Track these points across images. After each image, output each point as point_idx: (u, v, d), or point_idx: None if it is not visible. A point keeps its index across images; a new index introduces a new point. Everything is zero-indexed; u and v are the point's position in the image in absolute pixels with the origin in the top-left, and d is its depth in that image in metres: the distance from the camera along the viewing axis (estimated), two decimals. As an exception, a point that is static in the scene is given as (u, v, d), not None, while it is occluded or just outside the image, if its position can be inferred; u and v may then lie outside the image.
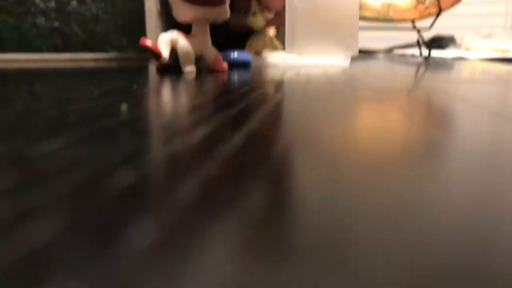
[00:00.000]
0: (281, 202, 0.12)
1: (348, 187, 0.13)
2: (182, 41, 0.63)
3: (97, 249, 0.09)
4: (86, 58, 1.04)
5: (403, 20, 1.04)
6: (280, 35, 0.86)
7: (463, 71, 0.69)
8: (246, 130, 0.21)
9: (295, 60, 0.75)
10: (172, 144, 0.18)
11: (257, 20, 0.84)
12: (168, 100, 0.33)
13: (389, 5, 1.05)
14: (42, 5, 0.99)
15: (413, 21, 1.03)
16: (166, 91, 0.39)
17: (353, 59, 1.08)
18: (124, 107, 0.29)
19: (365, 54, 1.36)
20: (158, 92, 0.38)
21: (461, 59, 1.05)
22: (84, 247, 0.09)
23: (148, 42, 0.60)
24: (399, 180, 0.14)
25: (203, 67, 0.69)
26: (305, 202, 0.12)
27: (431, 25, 1.03)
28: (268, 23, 0.85)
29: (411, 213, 0.11)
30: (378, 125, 0.23)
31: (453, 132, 0.21)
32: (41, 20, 0.98)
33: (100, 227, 0.10)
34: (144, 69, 0.74)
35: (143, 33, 1.09)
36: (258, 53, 0.85)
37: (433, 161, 0.16)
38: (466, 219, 0.11)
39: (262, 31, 0.87)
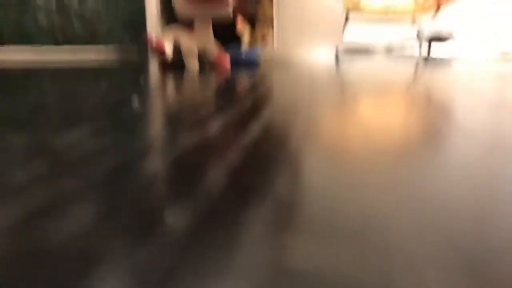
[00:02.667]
0: (303, 187, 0.12)
1: (362, 172, 0.13)
2: (185, 37, 0.63)
3: (138, 231, 0.10)
4: (87, 51, 1.04)
5: (404, 14, 1.04)
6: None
7: (462, 66, 0.69)
8: (260, 122, 0.21)
9: (286, 56, 0.76)
10: (192, 134, 0.18)
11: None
12: (176, 94, 0.33)
13: (388, 7, 1.06)
14: (42, 2, 0.98)
15: (413, 16, 1.04)
16: (173, 86, 0.40)
17: (355, 53, 1.09)
18: (135, 100, 0.29)
19: (366, 48, 1.36)
20: (165, 86, 0.39)
21: (459, 55, 1.05)
22: (125, 230, 0.10)
23: (152, 38, 0.60)
24: (410, 164, 0.14)
25: (206, 63, 0.69)
26: (324, 186, 0.12)
27: (431, 20, 1.03)
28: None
29: (423, 193, 0.11)
30: (387, 114, 0.24)
31: (457, 120, 0.21)
32: (42, 16, 0.98)
33: (137, 212, 0.11)
34: (145, 64, 0.74)
35: (143, 28, 1.09)
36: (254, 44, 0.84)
37: (441, 146, 0.16)
38: (471, 197, 0.11)
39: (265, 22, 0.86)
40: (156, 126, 0.21)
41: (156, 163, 0.14)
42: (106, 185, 0.12)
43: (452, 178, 0.13)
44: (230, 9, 0.65)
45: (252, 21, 0.89)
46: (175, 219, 0.10)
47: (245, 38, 0.90)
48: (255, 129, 0.20)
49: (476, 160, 0.15)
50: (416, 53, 1.17)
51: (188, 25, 0.67)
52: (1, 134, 0.18)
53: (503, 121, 0.22)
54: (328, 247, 0.09)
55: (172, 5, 0.66)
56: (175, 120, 0.22)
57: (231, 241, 0.09)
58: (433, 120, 0.22)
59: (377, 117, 0.23)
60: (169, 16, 1.04)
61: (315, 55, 0.80)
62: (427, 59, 0.91)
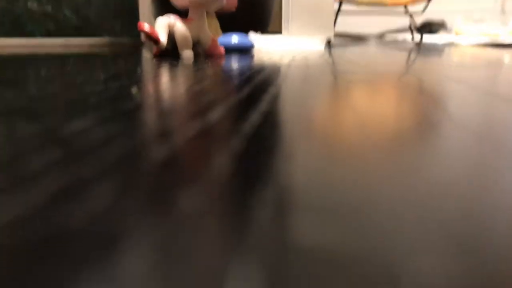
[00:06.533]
0: (304, 172, 0.13)
1: (358, 159, 0.14)
2: (179, 26, 0.63)
3: (155, 212, 0.10)
4: (79, 43, 1.03)
5: (396, 5, 1.05)
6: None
7: (455, 55, 0.70)
8: (259, 110, 0.22)
9: (280, 44, 0.78)
10: (194, 123, 0.19)
11: None
12: (173, 83, 0.34)
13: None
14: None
15: (405, 6, 1.04)
16: (170, 75, 0.40)
17: (347, 43, 1.09)
18: (135, 90, 0.29)
19: (358, 38, 1.37)
20: (162, 76, 0.39)
21: (452, 44, 1.06)
22: (142, 210, 0.10)
23: (146, 27, 0.60)
24: (404, 151, 0.15)
25: (200, 52, 0.69)
26: (324, 171, 0.13)
27: (423, 10, 1.04)
28: None
29: (417, 177, 0.12)
30: (380, 103, 0.24)
31: (448, 110, 0.22)
32: (33, 5, 0.97)
33: (151, 194, 0.11)
34: (138, 54, 0.74)
35: (136, 17, 1.09)
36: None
37: (432, 136, 0.17)
38: (461, 186, 0.12)
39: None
40: (157, 115, 0.21)
41: (163, 150, 0.15)
42: (119, 169, 0.13)
43: (445, 165, 0.14)
44: (225, 1, 0.65)
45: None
46: (188, 201, 0.11)
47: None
48: (254, 117, 0.20)
49: (468, 148, 0.16)
50: (409, 41, 1.18)
51: (182, 14, 0.67)
52: (10, 123, 0.19)
53: (494, 110, 0.23)
54: (332, 225, 0.09)
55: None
56: (175, 109, 0.22)
57: (241, 222, 0.10)
58: (425, 109, 0.23)
59: (370, 106, 0.24)
60: (162, 5, 1.03)
61: (308, 43, 0.81)
62: (419, 47, 0.92)
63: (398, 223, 0.09)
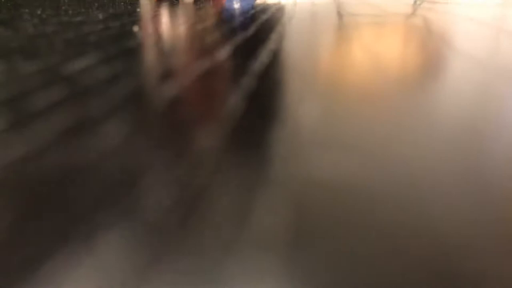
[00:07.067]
0: (317, 110, 0.13)
1: (372, 97, 0.14)
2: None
3: (171, 148, 0.10)
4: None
5: None
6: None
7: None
8: (268, 48, 0.21)
9: None
10: (203, 60, 0.18)
11: None
12: (177, 22, 0.33)
13: None
14: None
15: None
16: (171, 14, 0.39)
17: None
18: (136, 29, 0.28)
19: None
20: (164, 15, 0.38)
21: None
22: (158, 147, 0.10)
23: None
24: (418, 86, 0.14)
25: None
26: (338, 109, 0.13)
27: None
28: None
29: (432, 110, 0.12)
30: (388, 42, 0.24)
31: (458, 46, 0.22)
32: None
33: (166, 131, 0.11)
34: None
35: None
36: None
37: (445, 70, 0.17)
38: (467, 116, 0.12)
39: None
40: (163, 53, 0.21)
41: (173, 87, 0.14)
42: (128, 107, 0.13)
43: (457, 96, 0.13)
44: None
45: None
46: (204, 137, 0.11)
47: None
48: (263, 55, 0.20)
49: (478, 81, 0.15)
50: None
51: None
52: (11, 62, 0.18)
53: (503, 46, 0.22)
54: (347, 160, 0.09)
55: None
56: (181, 47, 0.22)
57: (260, 157, 0.09)
58: (437, 44, 0.22)
59: (381, 44, 0.23)
60: None
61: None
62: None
63: (418, 151, 0.09)
